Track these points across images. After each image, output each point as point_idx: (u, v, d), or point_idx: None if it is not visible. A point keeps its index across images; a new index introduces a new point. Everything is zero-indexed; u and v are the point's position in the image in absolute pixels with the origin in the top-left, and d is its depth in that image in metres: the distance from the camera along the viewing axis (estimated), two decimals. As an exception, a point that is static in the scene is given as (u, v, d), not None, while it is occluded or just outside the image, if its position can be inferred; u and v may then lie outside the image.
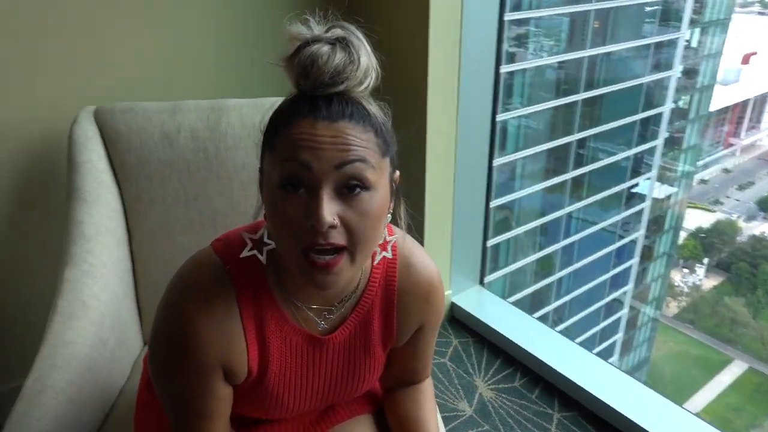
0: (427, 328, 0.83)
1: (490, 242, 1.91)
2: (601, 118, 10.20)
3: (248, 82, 1.39)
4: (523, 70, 9.45)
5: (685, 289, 10.46)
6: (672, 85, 9.92)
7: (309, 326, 0.76)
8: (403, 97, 1.56)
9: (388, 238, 0.75)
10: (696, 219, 10.81)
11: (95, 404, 1.05)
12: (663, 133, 10.17)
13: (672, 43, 9.98)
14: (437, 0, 1.43)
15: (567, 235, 10.52)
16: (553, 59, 9.62)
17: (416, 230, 0.81)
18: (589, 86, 9.81)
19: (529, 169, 10.24)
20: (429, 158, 1.57)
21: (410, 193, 1.59)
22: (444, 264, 1.78)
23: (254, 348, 0.73)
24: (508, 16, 8.85)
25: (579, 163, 10.30)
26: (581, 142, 10.18)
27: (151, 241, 1.25)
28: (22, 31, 1.26)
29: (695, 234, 10.77)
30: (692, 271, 10.48)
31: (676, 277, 10.71)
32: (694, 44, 10.29)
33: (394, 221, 0.73)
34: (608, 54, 9.89)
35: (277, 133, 0.63)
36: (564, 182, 10.29)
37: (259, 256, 0.70)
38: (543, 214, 10.37)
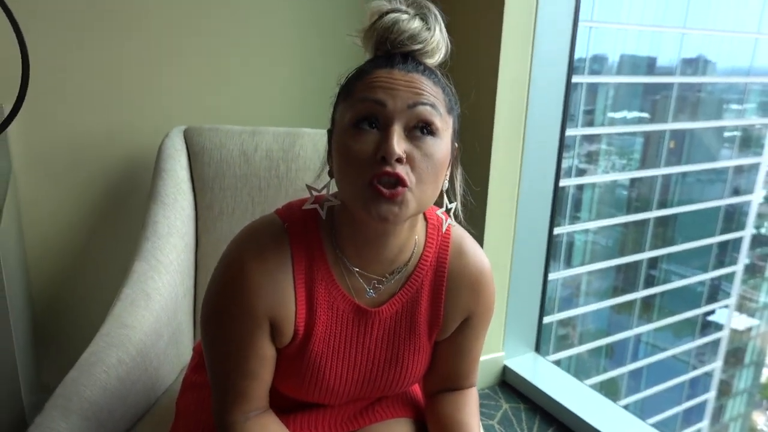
0: (474, 321, 0.82)
1: (551, 357, 1.86)
2: (675, 240, 9.87)
3: (327, 118, 1.51)
4: (593, 186, 9.44)
5: (770, 434, 9.42)
6: (753, 210, 9.58)
7: (357, 296, 0.76)
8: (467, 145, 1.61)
9: (449, 206, 0.76)
10: (781, 356, 9.92)
11: (140, 391, 1.07)
12: (743, 260, 9.68)
13: (753, 168, 9.76)
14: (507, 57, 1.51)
15: (635, 359, 9.87)
16: (625, 175, 9.58)
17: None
18: (662, 206, 9.62)
19: (595, 287, 9.89)
20: (489, 208, 1.58)
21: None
22: (497, 326, 1.73)
23: (302, 307, 0.74)
24: (581, 131, 8.99)
25: (650, 284, 9.87)
26: (653, 263, 9.81)
27: (216, 251, 1.31)
28: (133, 62, 1.44)
29: (781, 373, 9.84)
30: (777, 414, 9.46)
31: (760, 419, 9.69)
32: (776, 171, 10.00)
33: (451, 187, 0.75)
34: (683, 175, 9.75)
35: (354, 82, 0.68)
36: (632, 303, 9.83)
37: (320, 210, 0.73)
38: (609, 335, 9.84)
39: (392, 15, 0.68)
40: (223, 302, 0.72)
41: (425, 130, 0.65)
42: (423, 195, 0.66)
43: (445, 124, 0.68)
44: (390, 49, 0.68)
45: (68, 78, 1.38)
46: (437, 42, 0.69)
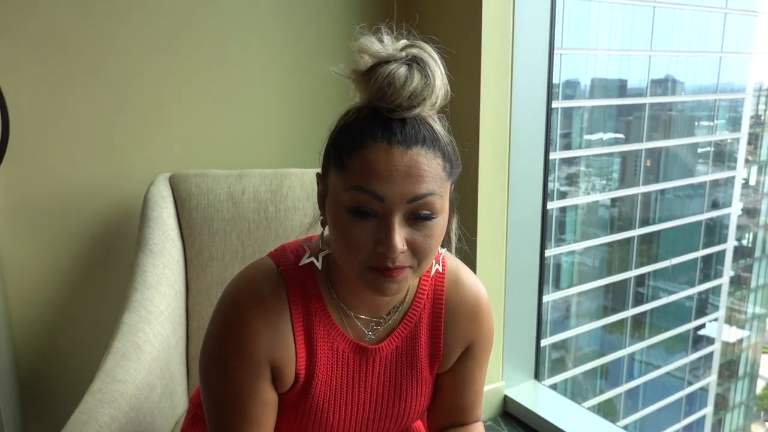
0: (475, 351, 0.81)
1: (548, 381, 1.85)
2: (660, 256, 9.96)
3: (313, 157, 1.51)
4: (575, 208, 9.54)
5: (771, 447, 9.38)
6: (733, 223, 9.73)
7: (356, 336, 0.76)
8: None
9: (439, 250, 0.76)
10: (774, 367, 9.95)
11: (134, 448, 1.03)
12: (728, 272, 9.78)
13: (729, 182, 9.95)
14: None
15: (630, 378, 9.83)
16: (606, 195, 9.70)
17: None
18: (645, 224, 9.72)
19: (585, 307, 9.90)
20: (480, 236, 1.59)
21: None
22: (496, 356, 1.72)
23: (302, 350, 0.73)
24: (558, 155, 9.14)
25: (639, 302, 9.91)
26: (640, 280, 9.87)
27: (207, 296, 1.29)
28: (115, 110, 1.43)
29: (775, 383, 9.85)
30: (776, 425, 9.44)
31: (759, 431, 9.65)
32: (752, 183, 10.23)
33: (446, 233, 0.74)
34: (662, 192, 9.90)
35: (348, 152, 0.63)
36: (623, 322, 9.84)
37: (316, 262, 0.73)
38: (602, 356, 9.81)
39: (387, 69, 0.61)
40: (224, 351, 0.70)
41: (425, 216, 0.64)
42: (424, 267, 0.67)
43: (444, 196, 0.66)
44: (386, 113, 0.63)
45: (50, 127, 1.37)
46: (438, 93, 0.64)
